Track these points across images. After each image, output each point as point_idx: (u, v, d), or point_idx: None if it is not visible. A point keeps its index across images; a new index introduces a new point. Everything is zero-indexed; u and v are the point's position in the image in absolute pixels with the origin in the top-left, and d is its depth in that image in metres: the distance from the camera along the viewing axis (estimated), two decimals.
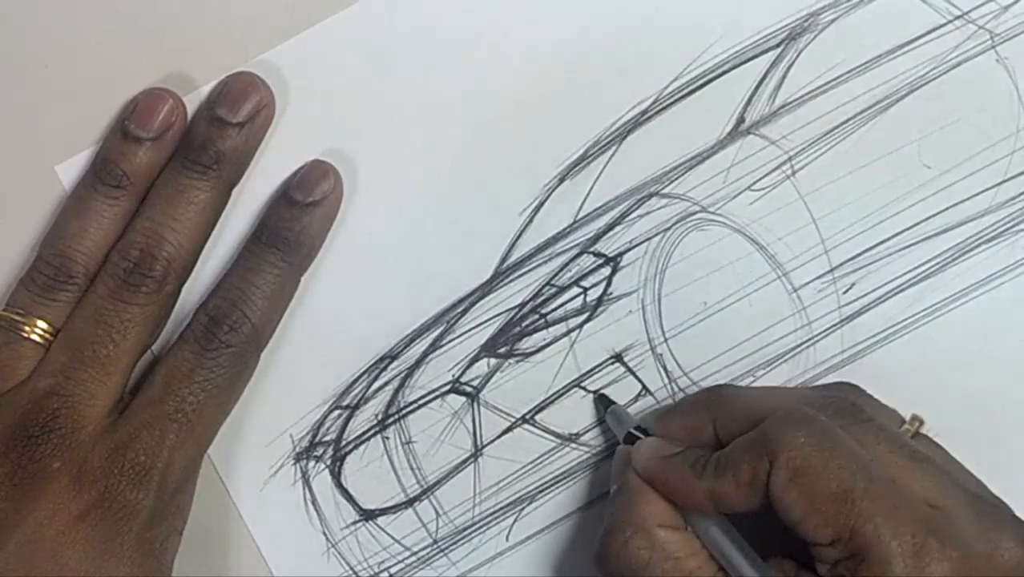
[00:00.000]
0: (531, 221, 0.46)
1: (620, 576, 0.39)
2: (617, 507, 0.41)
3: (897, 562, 0.35)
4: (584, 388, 0.46)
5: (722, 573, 0.39)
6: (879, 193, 0.46)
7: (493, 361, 0.46)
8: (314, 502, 0.46)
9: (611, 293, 0.46)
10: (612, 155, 0.46)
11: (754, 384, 0.46)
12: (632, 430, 0.43)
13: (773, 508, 0.37)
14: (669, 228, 0.46)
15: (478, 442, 0.46)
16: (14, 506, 0.40)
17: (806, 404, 0.40)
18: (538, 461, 0.46)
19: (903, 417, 0.41)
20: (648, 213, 0.46)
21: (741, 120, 0.46)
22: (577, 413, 0.46)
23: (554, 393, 0.46)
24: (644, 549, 0.39)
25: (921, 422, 0.41)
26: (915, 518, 0.36)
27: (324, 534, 0.46)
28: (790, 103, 0.46)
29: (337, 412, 0.46)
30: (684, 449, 0.41)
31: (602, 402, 0.46)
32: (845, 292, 0.46)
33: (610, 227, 0.46)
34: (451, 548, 0.46)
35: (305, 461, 0.46)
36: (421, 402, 0.46)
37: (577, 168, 0.46)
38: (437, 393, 0.46)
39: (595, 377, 0.46)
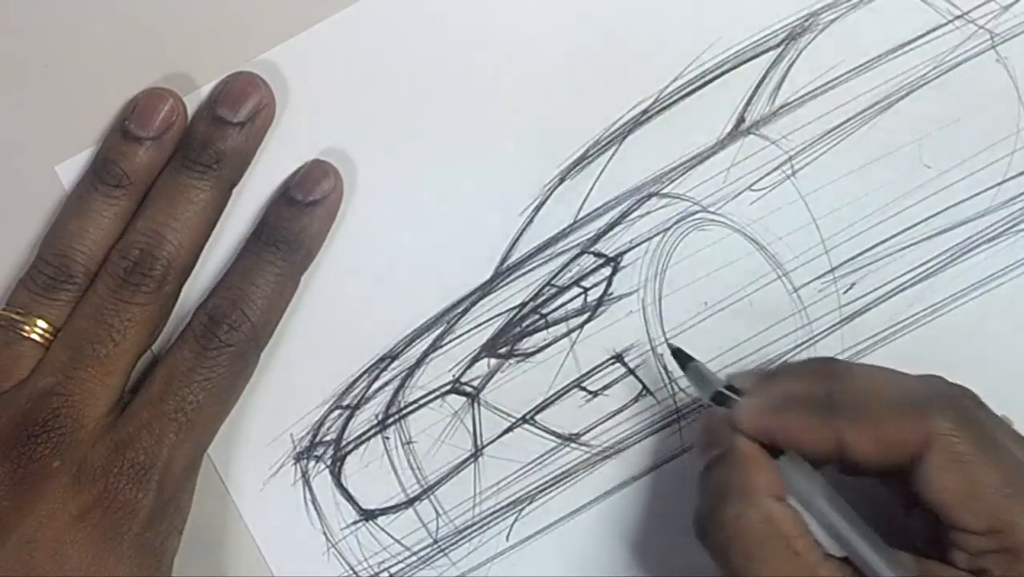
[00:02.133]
0: (531, 221, 0.46)
1: (729, 547, 0.38)
2: (723, 472, 0.39)
3: None
4: (585, 388, 0.46)
5: (828, 560, 0.37)
6: (879, 193, 0.46)
7: (493, 361, 0.46)
8: (314, 502, 0.46)
9: (611, 293, 0.46)
10: (612, 155, 0.46)
11: None
12: (723, 389, 0.41)
13: (908, 482, 0.37)
14: (669, 228, 0.46)
15: (478, 442, 0.46)
16: (14, 505, 0.40)
17: (932, 390, 0.39)
18: (538, 461, 0.46)
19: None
20: (648, 213, 0.46)
21: (741, 120, 0.46)
22: (577, 413, 0.46)
23: (554, 393, 0.46)
24: (760, 522, 0.37)
25: (1011, 422, 0.40)
26: None
27: (324, 534, 0.46)
28: (790, 103, 0.46)
29: (337, 412, 0.46)
30: (795, 392, 0.39)
31: (680, 358, 0.44)
32: (845, 292, 0.46)
33: (610, 227, 0.46)
34: (451, 548, 0.46)
35: (305, 461, 0.46)
36: (421, 402, 0.46)
37: (577, 168, 0.46)
38: (437, 393, 0.46)
39: (595, 377, 0.46)
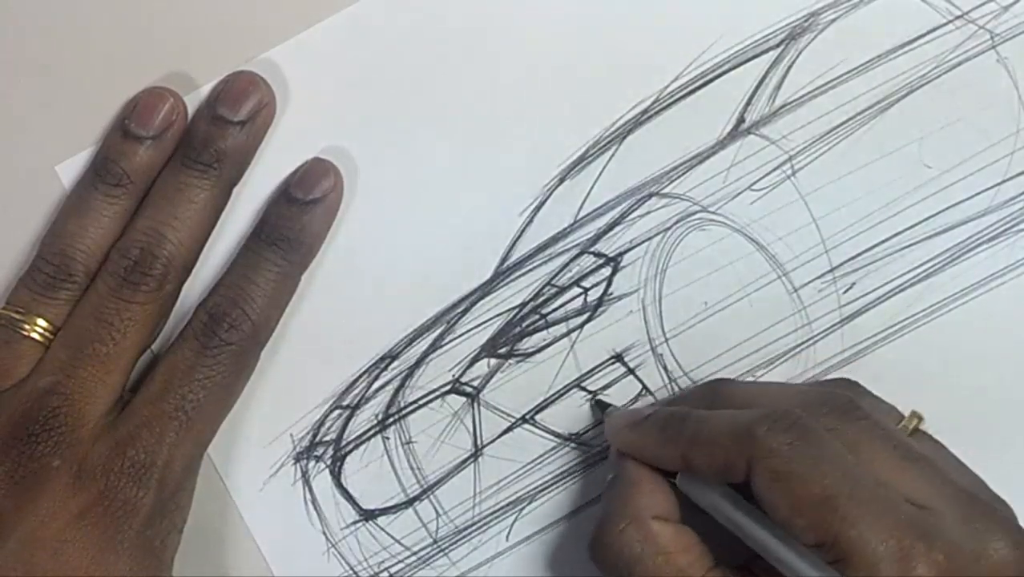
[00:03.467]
0: (531, 221, 0.46)
1: (613, 567, 0.39)
2: (611, 497, 0.41)
3: (883, 566, 0.35)
4: (584, 388, 0.46)
5: (714, 572, 0.39)
6: (879, 193, 0.46)
7: (493, 361, 0.46)
8: (314, 502, 0.46)
9: (611, 293, 0.46)
10: (612, 155, 0.46)
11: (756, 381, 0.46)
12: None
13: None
14: (669, 228, 0.46)
15: (478, 442, 0.46)
16: (14, 504, 0.40)
17: (802, 400, 0.40)
18: (538, 461, 0.46)
19: (902, 414, 0.41)
20: (648, 213, 0.46)
21: (741, 120, 0.46)
22: (577, 413, 0.46)
23: (554, 393, 0.46)
24: (637, 541, 0.39)
25: (920, 419, 0.41)
26: (901, 521, 0.36)
27: (324, 534, 0.46)
28: (790, 103, 0.46)
29: (337, 412, 0.46)
30: (653, 411, 0.41)
31: (600, 407, 0.46)
32: (845, 292, 0.46)
33: (610, 227, 0.46)
34: (451, 548, 0.46)
35: (305, 461, 0.46)
36: (421, 402, 0.46)
37: (577, 168, 0.46)
38: (437, 393, 0.46)
39: (595, 377, 0.46)
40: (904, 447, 0.38)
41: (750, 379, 0.46)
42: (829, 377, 0.43)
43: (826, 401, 0.39)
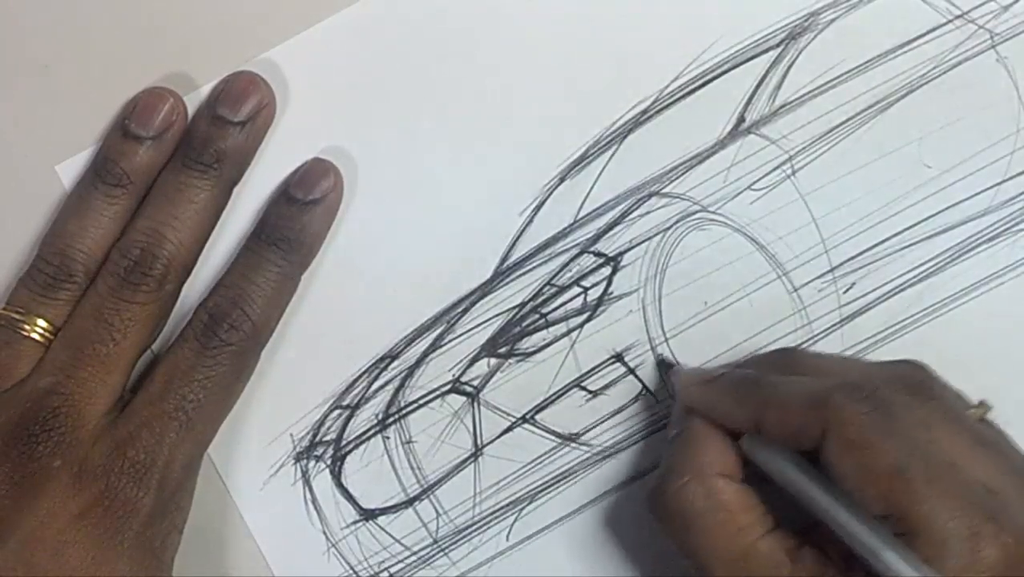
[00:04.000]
0: (531, 221, 0.46)
1: (672, 519, 0.39)
2: (676, 450, 0.41)
3: (952, 544, 0.35)
4: (585, 388, 0.46)
5: (774, 533, 0.38)
6: (879, 192, 0.46)
7: (493, 361, 0.46)
8: (314, 502, 0.46)
9: (611, 293, 0.46)
10: (612, 155, 0.46)
11: None
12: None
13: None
14: (669, 228, 0.46)
15: (478, 442, 0.46)
16: (15, 504, 0.40)
17: (876, 376, 0.39)
18: (538, 461, 0.46)
19: (969, 401, 0.41)
20: (648, 213, 0.46)
21: (741, 120, 0.46)
22: (577, 413, 0.46)
23: (554, 393, 0.46)
24: (700, 496, 0.39)
25: (989, 408, 0.41)
26: (971, 502, 0.35)
27: (324, 534, 0.46)
28: (790, 103, 0.46)
29: (337, 412, 0.46)
30: (726, 371, 0.41)
31: (663, 365, 0.45)
32: (845, 292, 0.46)
33: (610, 227, 0.46)
34: (451, 547, 0.46)
35: (305, 461, 0.46)
36: (421, 402, 0.46)
37: (577, 168, 0.46)
38: (437, 393, 0.46)
39: (595, 377, 0.46)
40: (975, 431, 0.38)
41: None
42: (901, 360, 0.42)
43: (901, 378, 0.39)
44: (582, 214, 0.46)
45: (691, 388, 0.42)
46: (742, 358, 0.45)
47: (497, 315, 0.46)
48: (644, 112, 0.46)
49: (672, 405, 0.45)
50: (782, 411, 0.38)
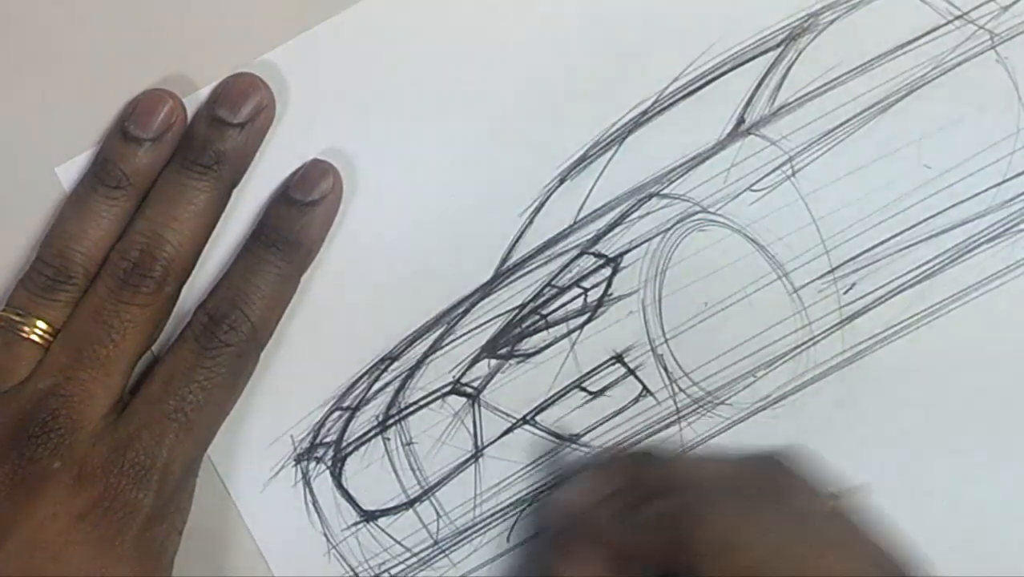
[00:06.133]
0: (531, 222, 0.46)
1: None
2: (552, 558, 0.41)
3: None
4: (585, 389, 0.46)
5: None
6: (879, 193, 0.46)
7: (494, 362, 0.46)
8: (315, 503, 0.46)
9: (612, 294, 0.46)
10: (612, 156, 0.46)
11: (755, 385, 0.46)
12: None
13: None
14: (669, 229, 0.46)
15: (479, 443, 0.46)
16: (14, 506, 0.40)
17: (728, 479, 0.40)
18: (539, 462, 0.46)
19: (819, 493, 0.41)
20: (648, 214, 0.46)
21: (741, 120, 0.46)
22: (578, 414, 0.46)
23: (555, 394, 0.46)
24: None
25: (839, 497, 0.41)
26: None
27: (325, 535, 0.46)
28: (790, 103, 0.46)
29: (338, 413, 0.46)
30: (605, 498, 0.41)
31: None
32: (846, 292, 0.46)
33: (610, 228, 0.46)
34: (452, 549, 0.46)
35: (306, 462, 0.46)
36: (422, 403, 0.46)
37: (577, 169, 0.46)
38: (438, 394, 0.46)
39: (596, 378, 0.46)
40: (824, 530, 0.39)
41: (751, 380, 0.46)
42: (753, 454, 0.43)
43: (751, 482, 0.40)
44: (582, 215, 0.46)
45: (567, 512, 0.42)
46: (594, 464, 0.45)
47: (497, 316, 0.46)
48: (644, 113, 0.46)
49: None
50: (651, 536, 0.39)
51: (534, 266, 0.46)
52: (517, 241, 0.46)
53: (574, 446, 0.46)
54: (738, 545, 0.37)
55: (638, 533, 0.39)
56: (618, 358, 0.46)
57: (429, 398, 0.46)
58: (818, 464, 0.42)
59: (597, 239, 0.46)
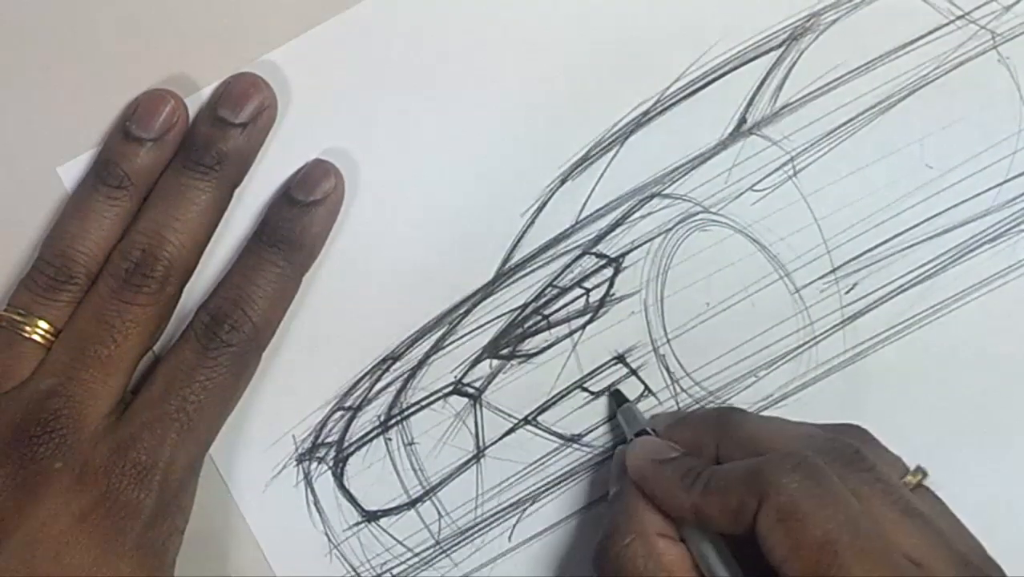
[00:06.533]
0: (533, 222, 0.46)
1: None
2: (619, 510, 0.41)
3: None
4: (587, 389, 0.46)
5: None
6: (881, 193, 0.46)
7: (495, 362, 0.46)
8: (316, 503, 0.46)
9: (613, 294, 0.46)
10: (614, 156, 0.46)
11: (756, 385, 0.46)
12: (646, 429, 0.44)
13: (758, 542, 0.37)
14: (671, 229, 0.46)
15: (480, 443, 0.46)
16: (16, 506, 0.40)
17: (809, 445, 0.39)
18: (540, 462, 0.46)
19: (907, 467, 0.41)
20: (650, 214, 0.46)
21: (743, 120, 0.46)
22: (579, 414, 0.46)
23: (556, 394, 0.46)
24: (642, 557, 0.39)
25: (925, 474, 0.40)
26: (895, 575, 0.35)
27: (326, 535, 0.46)
28: (792, 103, 0.46)
29: (339, 413, 0.46)
30: (678, 456, 0.41)
31: (616, 398, 0.46)
32: (847, 292, 0.46)
33: (612, 228, 0.46)
34: (453, 549, 0.46)
35: (307, 462, 0.46)
36: (423, 403, 0.46)
37: (579, 169, 0.46)
38: (439, 394, 0.46)
39: (597, 378, 0.46)
40: (905, 502, 0.38)
41: (751, 380, 0.46)
42: (840, 422, 0.42)
43: (833, 448, 0.39)
44: (584, 215, 0.46)
45: (641, 465, 0.42)
46: (677, 417, 0.45)
47: (499, 316, 0.46)
48: (646, 113, 0.46)
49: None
50: (722, 496, 0.38)
51: (536, 266, 0.46)
52: (519, 241, 0.46)
53: (575, 446, 0.46)
54: (805, 515, 0.36)
55: (707, 496, 0.38)
56: (620, 358, 0.46)
57: (431, 398, 0.46)
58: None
59: (599, 239, 0.46)
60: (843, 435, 0.41)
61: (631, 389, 0.46)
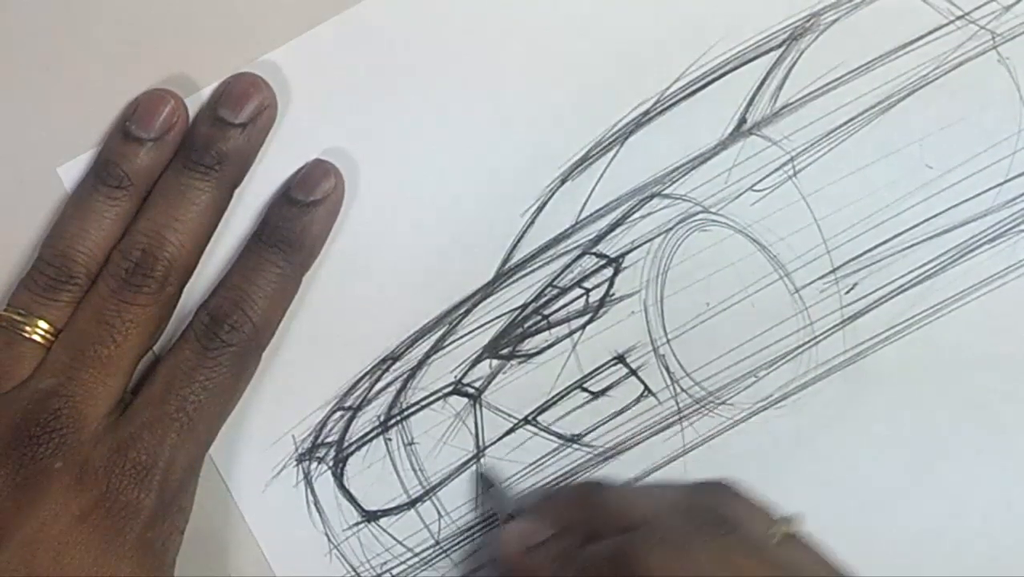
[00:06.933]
0: (533, 222, 0.46)
1: None
2: None
3: None
4: (587, 389, 0.46)
5: None
6: (881, 193, 0.46)
7: (495, 362, 0.46)
8: (316, 503, 0.46)
9: (613, 294, 0.46)
10: (614, 156, 0.46)
11: (756, 385, 0.46)
12: (509, 515, 0.44)
13: None
14: (671, 229, 0.46)
15: (480, 443, 0.46)
16: (16, 506, 0.40)
17: (673, 512, 0.40)
18: (540, 462, 0.46)
19: (772, 518, 0.41)
20: (650, 214, 0.46)
21: (743, 120, 0.46)
22: (579, 414, 0.46)
23: (556, 394, 0.46)
24: None
25: (789, 521, 0.40)
26: None
27: (326, 535, 0.46)
28: (792, 103, 0.46)
29: (339, 413, 0.46)
30: (548, 539, 0.41)
31: (483, 482, 0.46)
32: (847, 292, 0.46)
33: (612, 228, 0.46)
34: (453, 549, 0.46)
35: (307, 462, 0.46)
36: (423, 403, 0.46)
37: (579, 169, 0.46)
38: (439, 394, 0.46)
39: (597, 378, 0.46)
40: (773, 558, 0.39)
41: (752, 380, 0.46)
42: (704, 480, 0.43)
43: (696, 513, 0.40)
44: (584, 215, 0.46)
45: (511, 555, 0.42)
46: (544, 496, 0.46)
47: (499, 316, 0.46)
48: (646, 113, 0.46)
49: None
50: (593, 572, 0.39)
51: (536, 266, 0.46)
52: (519, 241, 0.46)
53: (575, 446, 0.46)
54: None
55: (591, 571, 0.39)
56: (620, 358, 0.46)
57: (431, 398, 0.46)
58: (759, 492, 0.42)
59: (599, 239, 0.46)
60: (708, 494, 0.42)
61: (631, 389, 0.46)
